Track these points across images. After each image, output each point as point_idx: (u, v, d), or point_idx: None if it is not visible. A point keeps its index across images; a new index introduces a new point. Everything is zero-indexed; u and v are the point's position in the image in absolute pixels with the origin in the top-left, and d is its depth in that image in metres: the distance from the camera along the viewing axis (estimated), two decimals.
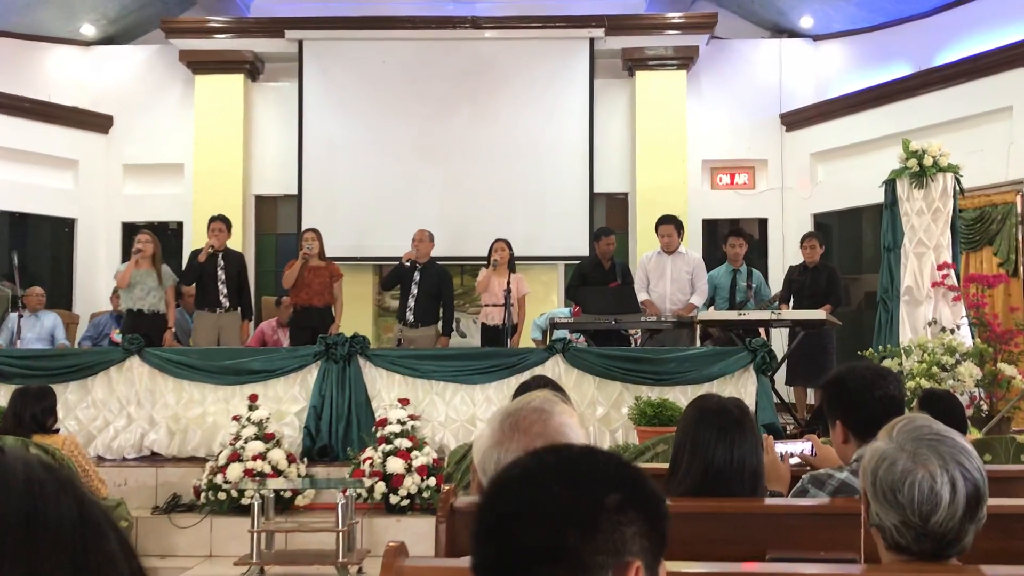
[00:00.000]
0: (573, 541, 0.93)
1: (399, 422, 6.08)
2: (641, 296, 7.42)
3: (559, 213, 9.97)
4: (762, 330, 7.51)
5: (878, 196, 7.06)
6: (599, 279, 7.95)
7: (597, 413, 6.45)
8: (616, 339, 7.58)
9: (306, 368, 6.58)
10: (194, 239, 9.67)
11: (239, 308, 7.72)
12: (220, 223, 7.72)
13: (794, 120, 10.13)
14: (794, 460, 2.92)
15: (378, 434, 6.04)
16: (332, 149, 10.15)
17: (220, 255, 7.67)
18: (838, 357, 7.61)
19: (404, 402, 6.33)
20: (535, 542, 0.93)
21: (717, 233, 10.49)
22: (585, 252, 9.64)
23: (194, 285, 7.74)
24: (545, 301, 9.90)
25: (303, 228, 8.63)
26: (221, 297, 7.59)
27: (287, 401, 6.54)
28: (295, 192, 10.15)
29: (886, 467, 1.55)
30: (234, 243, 8.52)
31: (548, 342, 7.62)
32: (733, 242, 7.87)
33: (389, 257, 9.23)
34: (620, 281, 7.88)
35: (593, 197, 10.08)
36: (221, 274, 7.62)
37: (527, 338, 8.54)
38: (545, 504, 0.95)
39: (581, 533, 0.93)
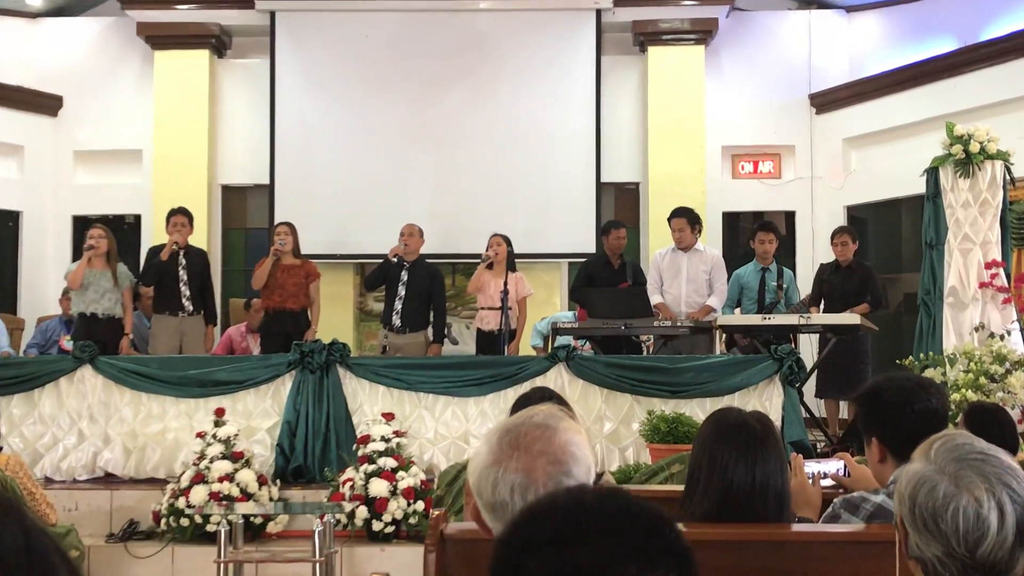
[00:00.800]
0: (633, 571, 0.92)
1: (383, 439, 6.08)
2: (654, 298, 7.43)
3: (562, 205, 9.99)
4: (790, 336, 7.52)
5: (919, 186, 7.06)
6: (607, 279, 7.95)
7: (605, 429, 6.45)
8: (626, 346, 7.58)
9: (279, 379, 6.58)
10: (154, 234, 9.66)
11: (203, 312, 7.72)
12: (182, 217, 7.72)
13: (825, 101, 10.14)
14: (826, 482, 2.93)
15: (360, 453, 6.04)
16: (308, 134, 10.15)
17: (181, 253, 7.68)
18: (874, 366, 7.61)
19: (389, 417, 6.33)
20: (592, 566, 0.92)
21: (739, 227, 10.48)
22: (591, 248, 9.64)
23: (153, 287, 7.74)
24: (547, 304, 9.91)
25: (276, 222, 8.64)
26: (183, 300, 7.60)
27: (258, 416, 6.54)
28: (267, 182, 10.15)
29: (925, 492, 1.55)
30: (198, 239, 8.53)
31: (550, 349, 7.63)
32: (762, 238, 7.89)
33: (372, 255, 9.22)
34: (631, 281, 7.88)
35: (600, 188, 10.09)
36: (183, 274, 7.62)
37: (527, 345, 8.54)
38: (605, 523, 0.95)
39: (641, 565, 0.93)
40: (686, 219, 7.57)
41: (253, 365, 6.67)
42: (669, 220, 7.67)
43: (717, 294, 7.57)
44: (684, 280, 7.56)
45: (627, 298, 7.40)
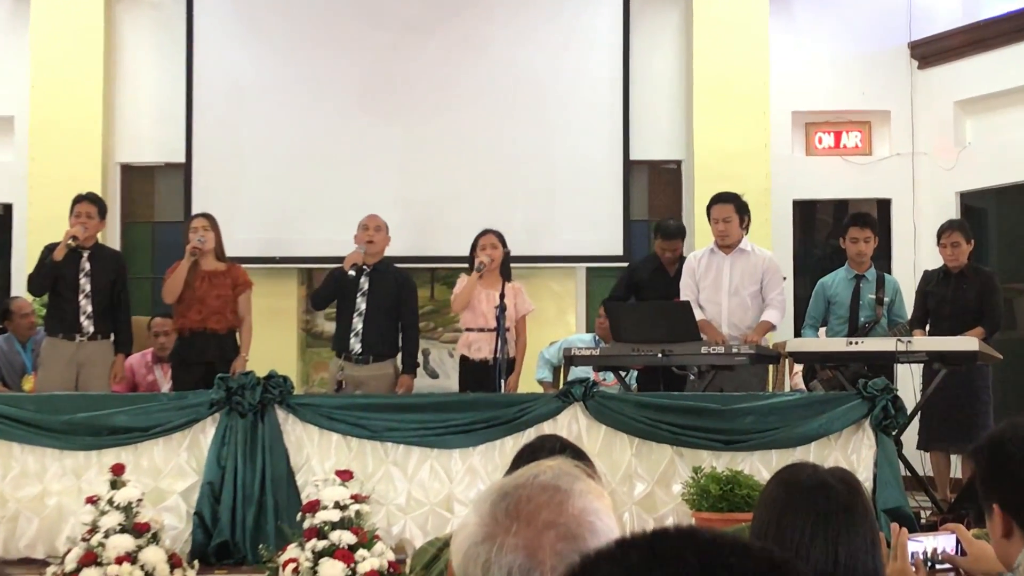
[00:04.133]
0: None
1: (338, 506, 6.05)
2: (696, 314, 7.41)
3: (578, 192, 9.99)
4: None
5: None
6: (659, 290, 7.93)
7: (636, 492, 6.45)
8: (665, 380, 7.58)
9: (197, 425, 6.56)
10: (29, 228, 9.66)
11: (112, 335, 7.71)
12: (90, 206, 7.71)
13: (931, 52, 10.14)
14: (942, 567, 2.93)
15: (306, 524, 6.02)
16: (237, 97, 10.16)
17: (86, 255, 7.65)
18: (996, 408, 7.60)
19: (345, 476, 6.30)
20: None
21: (815, 220, 10.48)
22: (616, 249, 9.67)
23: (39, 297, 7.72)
24: (557, 322, 9.90)
25: (193, 213, 8.63)
26: (82, 318, 7.58)
27: (169, 475, 6.53)
28: (182, 160, 10.15)
29: None
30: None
31: (562, 384, 7.61)
32: (856, 234, 7.89)
33: (323, 258, 9.21)
34: None
35: (630, 168, 10.10)
36: (84, 283, 7.60)
37: (530, 378, 8.53)
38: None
39: None
40: (734, 206, 7.57)
41: (163, 406, 6.65)
42: (709, 208, 7.69)
43: (775, 305, 7.55)
44: (726, 291, 7.56)
45: (666, 315, 7.39)
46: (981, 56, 9.80)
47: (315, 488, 6.27)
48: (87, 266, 7.61)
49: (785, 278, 8.25)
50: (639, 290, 8.08)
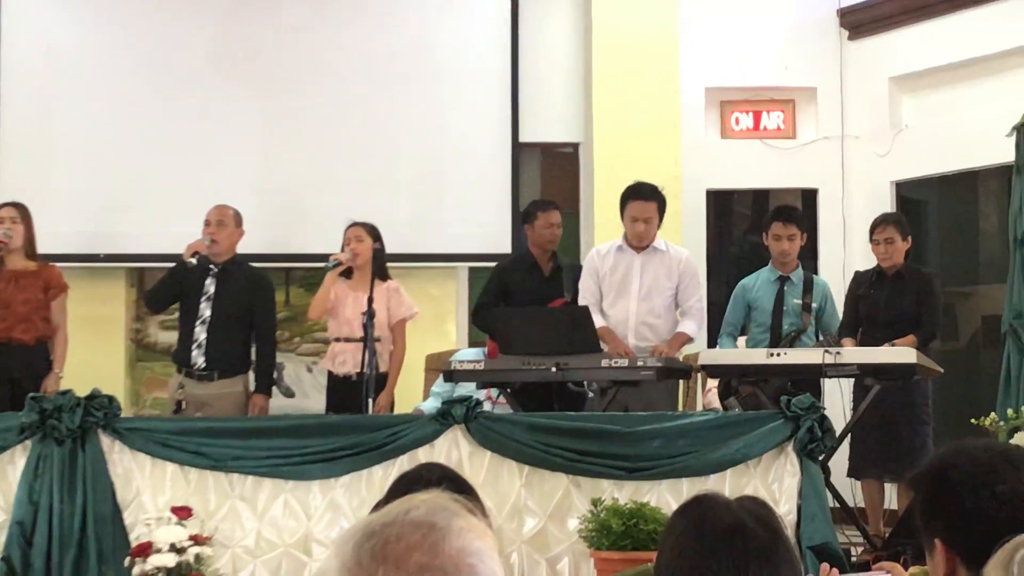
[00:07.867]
0: None
1: (174, 549, 5.99)
2: (596, 321, 7.43)
3: (460, 179, 10.02)
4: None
5: (1005, 152, 7.22)
6: (532, 292, 7.97)
7: (525, 528, 6.46)
8: (560, 399, 7.59)
9: (5, 454, 6.45)
10: None
11: None
12: None
13: (864, 20, 10.27)
14: None
15: (135, 571, 5.96)
16: (52, 62, 10.01)
17: None
18: (937, 429, 7.75)
19: (183, 513, 6.25)
20: None
21: (731, 213, 10.60)
22: (506, 246, 9.66)
23: None
24: (434, 331, 9.85)
25: None
26: None
27: None
28: None
29: None
30: None
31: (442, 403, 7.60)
32: (778, 231, 7.97)
33: (157, 255, 9.09)
34: (570, 296, 7.89)
35: (519, 151, 10.12)
36: None
37: (409, 398, 8.46)
38: None
39: None
40: (657, 203, 7.62)
41: None
42: (625, 203, 7.70)
43: (691, 315, 7.62)
44: (635, 294, 7.60)
45: (561, 323, 7.42)
46: (921, 25, 9.87)
47: (146, 528, 6.22)
48: None
49: None
50: (509, 294, 8.07)
